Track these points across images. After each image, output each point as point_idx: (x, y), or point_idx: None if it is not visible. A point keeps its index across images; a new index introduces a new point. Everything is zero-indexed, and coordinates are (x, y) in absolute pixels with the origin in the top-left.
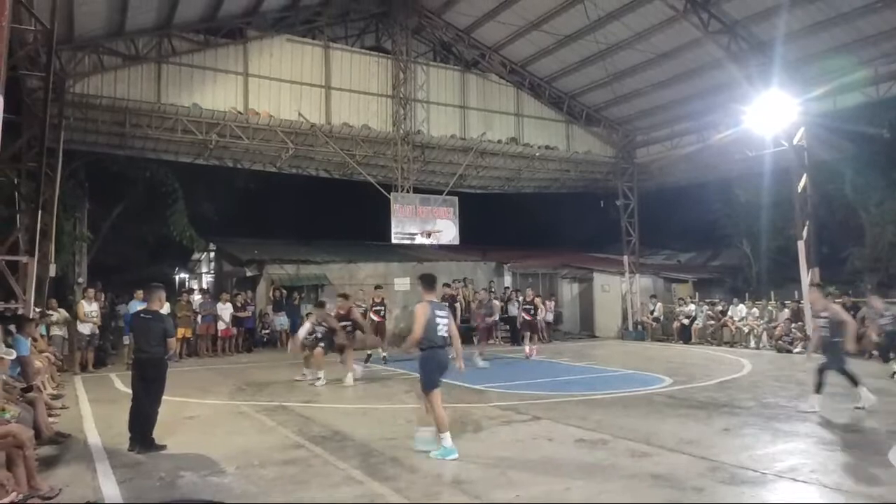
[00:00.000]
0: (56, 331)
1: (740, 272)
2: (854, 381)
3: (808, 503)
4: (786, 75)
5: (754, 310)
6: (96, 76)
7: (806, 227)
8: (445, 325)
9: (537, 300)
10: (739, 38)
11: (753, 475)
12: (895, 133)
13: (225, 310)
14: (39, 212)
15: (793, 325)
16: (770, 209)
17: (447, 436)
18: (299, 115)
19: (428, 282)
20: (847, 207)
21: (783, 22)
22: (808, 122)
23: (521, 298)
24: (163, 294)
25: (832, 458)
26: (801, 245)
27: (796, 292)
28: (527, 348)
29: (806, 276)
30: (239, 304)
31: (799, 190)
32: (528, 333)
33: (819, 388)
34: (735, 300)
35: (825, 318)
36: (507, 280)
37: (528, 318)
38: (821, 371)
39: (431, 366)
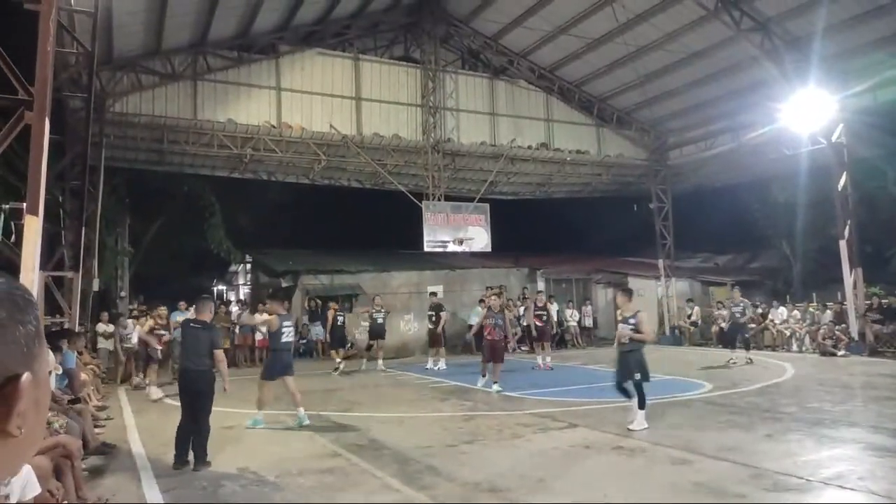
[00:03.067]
0: (103, 343)
1: (780, 274)
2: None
3: None
4: (823, 71)
5: (795, 312)
6: (135, 95)
7: (847, 227)
8: (290, 332)
9: (549, 305)
10: (773, 35)
11: (798, 482)
12: None
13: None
14: (83, 228)
15: (836, 327)
16: (809, 209)
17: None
18: (331, 126)
19: (278, 297)
20: (891, 205)
21: (819, 17)
22: (847, 119)
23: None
24: (212, 305)
25: (881, 464)
26: (842, 245)
27: (839, 293)
28: (539, 360)
29: (849, 277)
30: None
31: (839, 188)
32: (541, 342)
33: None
34: (775, 303)
35: (633, 324)
36: (541, 286)
37: (539, 324)
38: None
39: (276, 364)
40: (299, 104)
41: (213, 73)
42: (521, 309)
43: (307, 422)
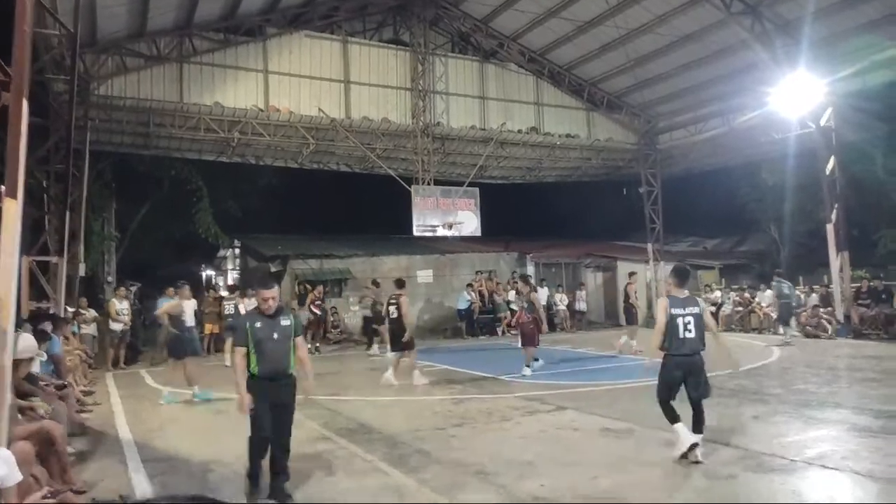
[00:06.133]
0: (86, 329)
1: (768, 257)
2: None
3: (839, 490)
4: (813, 55)
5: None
6: (120, 77)
7: (835, 211)
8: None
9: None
10: (764, 19)
11: (783, 462)
12: None
13: (241, 305)
14: (68, 212)
15: (822, 310)
16: (798, 192)
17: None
18: (319, 110)
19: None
20: (878, 189)
21: (809, 0)
22: (836, 103)
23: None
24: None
25: (864, 444)
26: (829, 228)
27: (825, 277)
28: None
29: (836, 260)
30: None
31: (827, 172)
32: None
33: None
34: (762, 286)
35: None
36: (531, 270)
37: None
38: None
39: (185, 344)
40: (287, 87)
41: (200, 55)
42: (512, 293)
43: (206, 397)
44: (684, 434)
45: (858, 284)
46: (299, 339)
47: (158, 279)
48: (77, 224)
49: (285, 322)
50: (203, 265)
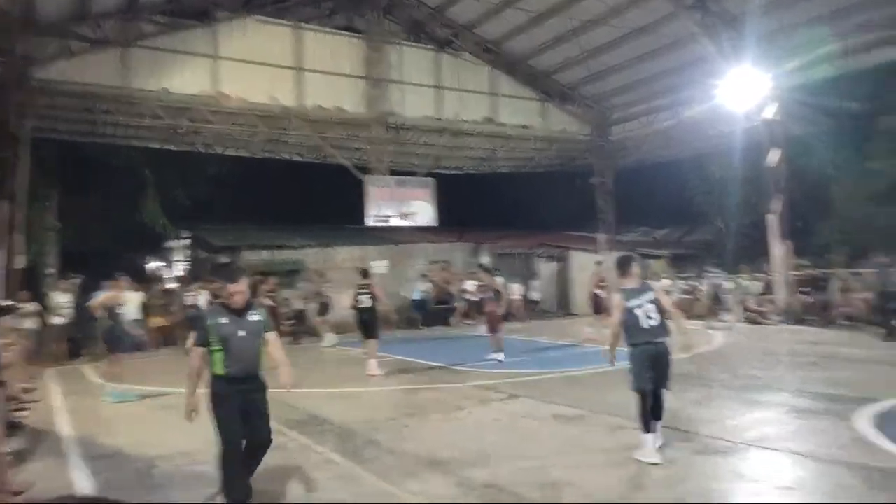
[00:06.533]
0: (28, 323)
1: (714, 247)
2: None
3: (779, 470)
4: (758, 50)
5: (727, 283)
6: (62, 61)
7: (777, 201)
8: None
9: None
10: (712, 13)
11: (726, 444)
12: (866, 105)
13: (200, 297)
14: (7, 202)
15: (764, 298)
16: (744, 185)
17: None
18: (271, 97)
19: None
20: (818, 181)
21: None
22: (781, 97)
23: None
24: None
25: (803, 425)
26: (770, 219)
27: (766, 265)
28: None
29: (777, 249)
30: (217, 293)
31: (771, 164)
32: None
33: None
34: (707, 273)
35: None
36: (485, 260)
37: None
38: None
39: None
40: (238, 73)
41: (146, 39)
42: (469, 283)
43: (115, 400)
44: (650, 446)
45: (800, 273)
46: (271, 336)
47: (104, 271)
48: (16, 213)
49: (255, 317)
50: (150, 256)
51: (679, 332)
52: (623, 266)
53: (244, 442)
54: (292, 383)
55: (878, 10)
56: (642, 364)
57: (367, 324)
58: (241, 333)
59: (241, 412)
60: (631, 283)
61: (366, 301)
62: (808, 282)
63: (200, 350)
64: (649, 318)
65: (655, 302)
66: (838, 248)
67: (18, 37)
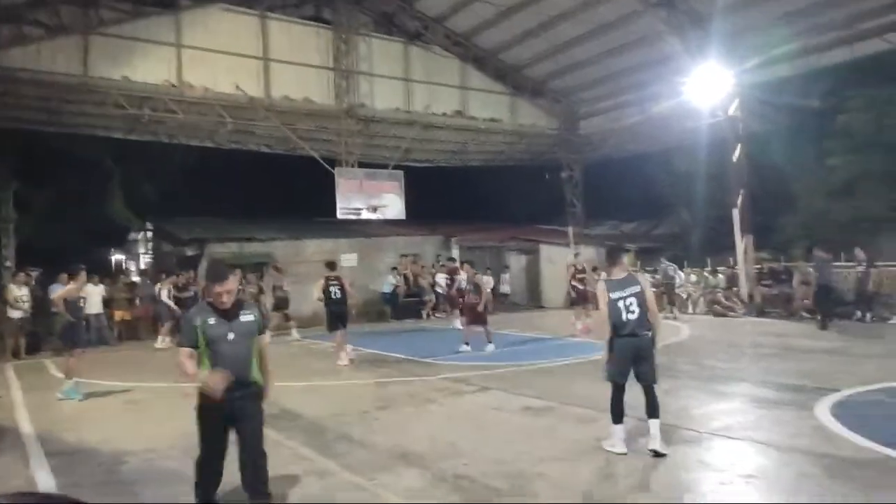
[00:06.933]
0: None
1: (680, 240)
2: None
3: (742, 458)
4: (722, 47)
5: (692, 276)
6: (18, 48)
7: (740, 196)
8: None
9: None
10: (678, 11)
11: (690, 434)
12: (825, 103)
13: (163, 290)
14: None
15: (725, 291)
16: (709, 180)
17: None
18: (237, 87)
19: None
20: (779, 176)
21: None
22: (743, 94)
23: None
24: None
25: (764, 415)
26: (735, 213)
27: (731, 259)
28: (579, 324)
29: (740, 243)
30: (180, 285)
31: (734, 160)
32: (584, 307)
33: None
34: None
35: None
36: (455, 254)
37: (582, 287)
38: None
39: (80, 333)
40: (202, 63)
41: (107, 26)
42: (441, 277)
43: (75, 397)
44: (619, 437)
45: (760, 266)
46: (264, 338)
47: (64, 264)
48: None
49: (247, 318)
50: (115, 249)
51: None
52: (612, 256)
53: (225, 450)
54: (270, 398)
55: (837, 11)
56: (621, 356)
57: (339, 315)
58: (231, 336)
59: (229, 421)
60: (618, 274)
61: (337, 293)
62: (769, 275)
63: (188, 351)
64: (630, 311)
65: (638, 295)
66: (799, 242)
67: None
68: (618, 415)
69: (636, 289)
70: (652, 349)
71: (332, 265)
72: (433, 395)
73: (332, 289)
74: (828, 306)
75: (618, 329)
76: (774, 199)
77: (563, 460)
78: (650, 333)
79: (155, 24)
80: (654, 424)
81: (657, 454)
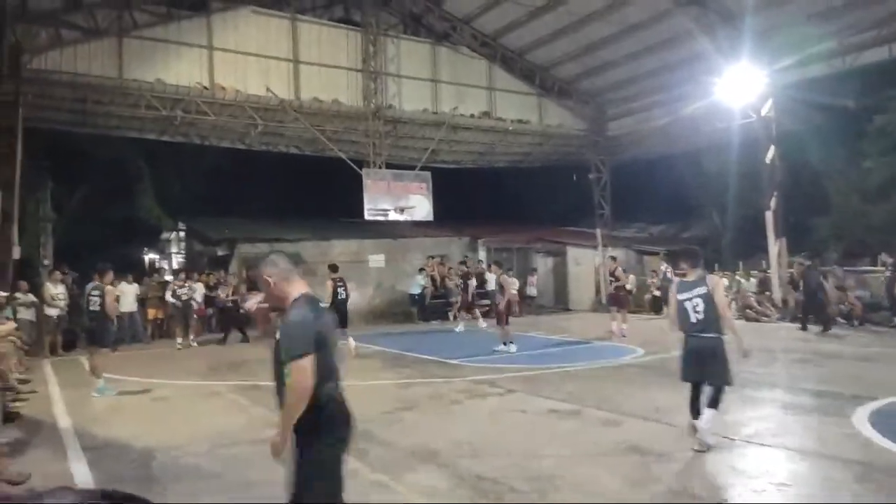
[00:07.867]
0: (24, 314)
1: (710, 243)
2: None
3: (774, 465)
4: (755, 47)
5: (724, 280)
6: (55, 51)
7: (773, 198)
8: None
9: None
10: (709, 10)
11: (723, 441)
12: (860, 104)
13: (197, 290)
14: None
15: (762, 295)
16: (740, 180)
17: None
18: (267, 90)
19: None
20: (813, 178)
21: None
22: (776, 94)
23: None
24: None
25: (795, 421)
26: (768, 216)
27: (763, 262)
28: (614, 326)
29: (773, 246)
30: (212, 284)
31: (767, 161)
32: (622, 310)
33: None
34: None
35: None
36: (482, 255)
37: (622, 292)
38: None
39: (109, 332)
40: (233, 65)
41: (140, 29)
42: (452, 281)
43: (110, 392)
44: (704, 428)
45: (793, 270)
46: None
47: (99, 263)
48: (9, 205)
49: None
50: (147, 248)
51: (730, 333)
52: (691, 258)
53: None
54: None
55: (874, 9)
56: (687, 356)
57: (343, 315)
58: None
59: None
60: (691, 275)
61: (342, 293)
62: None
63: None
64: (696, 311)
65: (705, 297)
66: (834, 244)
67: (10, 26)
68: (694, 410)
69: (703, 290)
70: (721, 351)
71: (335, 268)
72: (457, 396)
73: (339, 289)
74: (813, 310)
75: (686, 329)
76: (808, 201)
77: (586, 463)
78: (718, 335)
79: (187, 27)
80: (707, 413)
81: (701, 446)
